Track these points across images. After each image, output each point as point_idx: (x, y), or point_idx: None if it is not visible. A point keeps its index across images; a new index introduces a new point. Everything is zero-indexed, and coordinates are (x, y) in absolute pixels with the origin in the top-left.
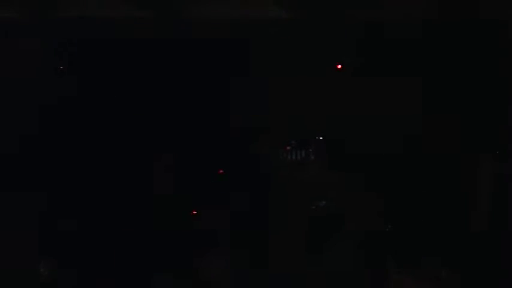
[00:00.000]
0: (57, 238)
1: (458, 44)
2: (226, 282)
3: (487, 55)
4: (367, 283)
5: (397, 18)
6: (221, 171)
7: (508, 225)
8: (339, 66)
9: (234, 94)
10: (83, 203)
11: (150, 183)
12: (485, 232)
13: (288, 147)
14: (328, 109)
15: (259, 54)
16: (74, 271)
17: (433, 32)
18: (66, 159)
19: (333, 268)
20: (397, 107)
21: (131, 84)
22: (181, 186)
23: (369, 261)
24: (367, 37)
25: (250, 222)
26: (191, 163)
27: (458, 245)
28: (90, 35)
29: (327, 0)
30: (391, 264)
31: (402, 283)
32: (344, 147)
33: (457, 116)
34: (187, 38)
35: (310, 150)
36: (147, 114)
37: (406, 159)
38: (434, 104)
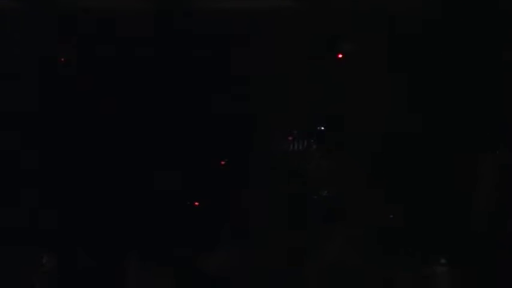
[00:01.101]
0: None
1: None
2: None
3: None
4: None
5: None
6: (223, 162)
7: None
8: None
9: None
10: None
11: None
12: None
13: (290, 138)
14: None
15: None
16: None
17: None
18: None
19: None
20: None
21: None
22: (183, 178)
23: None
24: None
25: (251, 214)
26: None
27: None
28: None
29: None
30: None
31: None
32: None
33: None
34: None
35: (312, 140)
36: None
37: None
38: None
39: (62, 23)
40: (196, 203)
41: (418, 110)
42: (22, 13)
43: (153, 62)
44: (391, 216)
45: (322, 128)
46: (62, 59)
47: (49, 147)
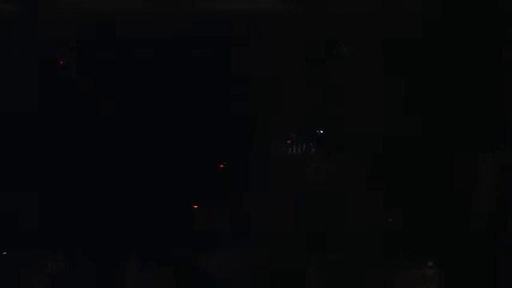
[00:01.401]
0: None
1: None
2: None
3: None
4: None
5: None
6: (221, 165)
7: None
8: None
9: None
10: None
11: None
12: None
13: (289, 141)
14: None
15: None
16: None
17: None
18: None
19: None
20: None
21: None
22: (182, 180)
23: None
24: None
25: (251, 216)
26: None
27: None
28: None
29: None
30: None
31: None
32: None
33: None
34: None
35: (311, 144)
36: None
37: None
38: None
39: (60, 25)
40: (196, 205)
41: (418, 111)
42: (20, 16)
43: (152, 64)
44: (391, 219)
45: (322, 131)
46: (61, 62)
47: (49, 150)
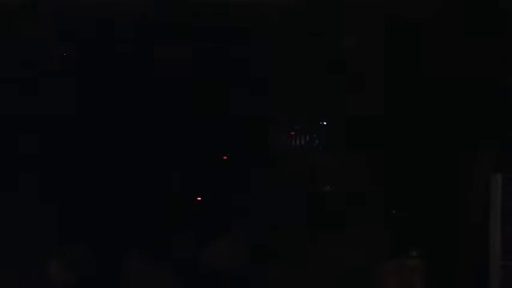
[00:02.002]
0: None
1: None
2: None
3: None
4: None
5: None
6: (225, 157)
7: None
8: None
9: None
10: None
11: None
12: None
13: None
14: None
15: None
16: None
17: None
18: None
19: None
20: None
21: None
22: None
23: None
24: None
25: (252, 211)
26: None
27: None
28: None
29: None
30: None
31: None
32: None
33: None
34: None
35: (315, 135)
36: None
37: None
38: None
39: (60, 19)
40: (197, 200)
41: (420, 109)
42: (20, 9)
43: (153, 58)
44: (393, 212)
45: (325, 123)
46: (62, 57)
47: (49, 149)
